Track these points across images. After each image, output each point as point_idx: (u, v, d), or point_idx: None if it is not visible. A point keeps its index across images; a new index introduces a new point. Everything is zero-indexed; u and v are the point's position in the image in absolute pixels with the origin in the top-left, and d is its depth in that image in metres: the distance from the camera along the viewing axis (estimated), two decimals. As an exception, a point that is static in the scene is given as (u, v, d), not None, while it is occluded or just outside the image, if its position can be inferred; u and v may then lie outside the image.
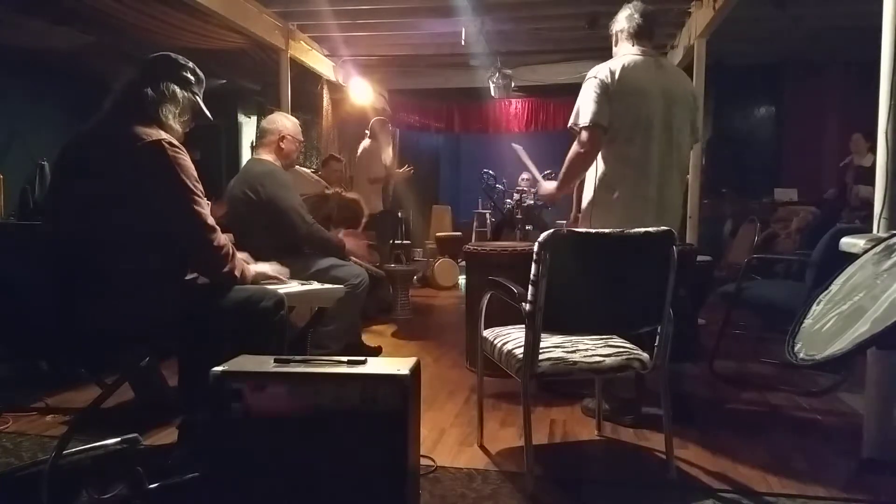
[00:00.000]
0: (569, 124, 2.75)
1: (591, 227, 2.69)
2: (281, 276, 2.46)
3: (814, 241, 3.43)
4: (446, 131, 9.85)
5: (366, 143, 6.33)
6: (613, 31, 2.85)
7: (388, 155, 6.17)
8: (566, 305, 2.11)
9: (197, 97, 2.21)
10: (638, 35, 2.75)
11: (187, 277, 2.15)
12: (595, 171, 2.74)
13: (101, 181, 2.00)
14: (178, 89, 2.14)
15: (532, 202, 7.44)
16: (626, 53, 2.74)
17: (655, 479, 2.28)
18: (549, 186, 3.00)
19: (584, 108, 2.65)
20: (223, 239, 2.10)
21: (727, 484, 2.20)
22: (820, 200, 6.81)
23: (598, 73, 2.65)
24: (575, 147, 2.68)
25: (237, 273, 2.14)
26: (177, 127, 2.14)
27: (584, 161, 2.69)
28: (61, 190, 2.14)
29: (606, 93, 2.61)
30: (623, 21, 2.79)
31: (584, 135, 2.65)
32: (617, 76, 2.62)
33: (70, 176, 2.10)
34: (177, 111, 2.13)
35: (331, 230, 3.81)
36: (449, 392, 3.24)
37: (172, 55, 2.21)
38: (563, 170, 2.77)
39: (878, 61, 2.33)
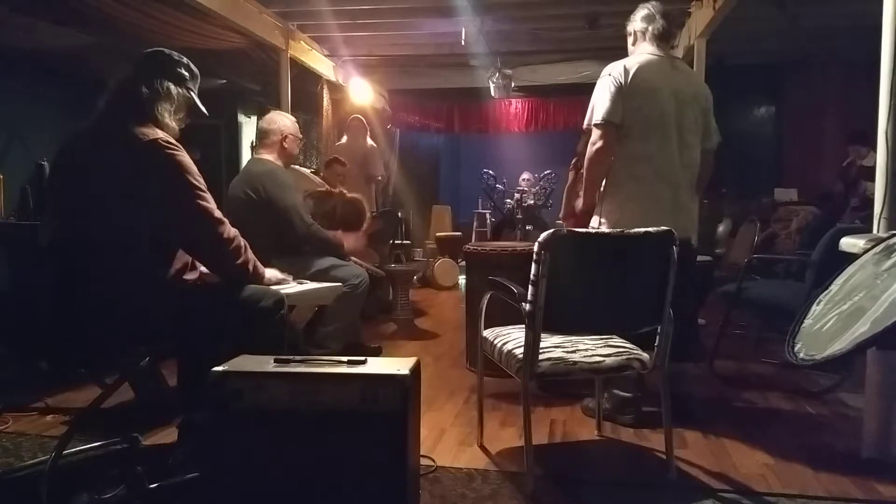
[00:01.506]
0: (584, 125, 2.74)
1: (601, 225, 2.69)
2: (287, 279, 2.47)
3: (814, 241, 3.43)
4: (446, 131, 9.84)
5: (343, 140, 6.39)
6: (631, 30, 2.83)
7: (360, 146, 6.19)
8: (566, 305, 2.10)
9: (192, 93, 2.19)
10: (661, 38, 2.74)
11: (186, 277, 2.15)
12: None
13: (98, 182, 2.00)
14: (172, 86, 2.13)
15: (533, 202, 7.46)
16: (643, 52, 2.73)
17: (655, 479, 2.28)
18: (580, 203, 2.88)
19: (598, 105, 2.65)
20: (233, 231, 2.09)
21: (727, 484, 2.20)
22: (821, 199, 6.79)
23: (613, 71, 2.65)
24: (590, 147, 2.67)
25: (250, 267, 2.13)
26: (173, 125, 2.13)
27: (601, 159, 2.67)
28: (59, 190, 2.14)
29: (620, 91, 2.61)
30: (642, 21, 2.77)
31: (597, 132, 2.65)
32: (631, 75, 2.61)
33: (67, 176, 2.10)
34: (172, 109, 2.12)
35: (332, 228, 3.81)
36: (449, 392, 3.24)
37: (166, 51, 2.19)
38: (585, 174, 2.75)
39: (878, 61, 2.33)
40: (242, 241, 2.12)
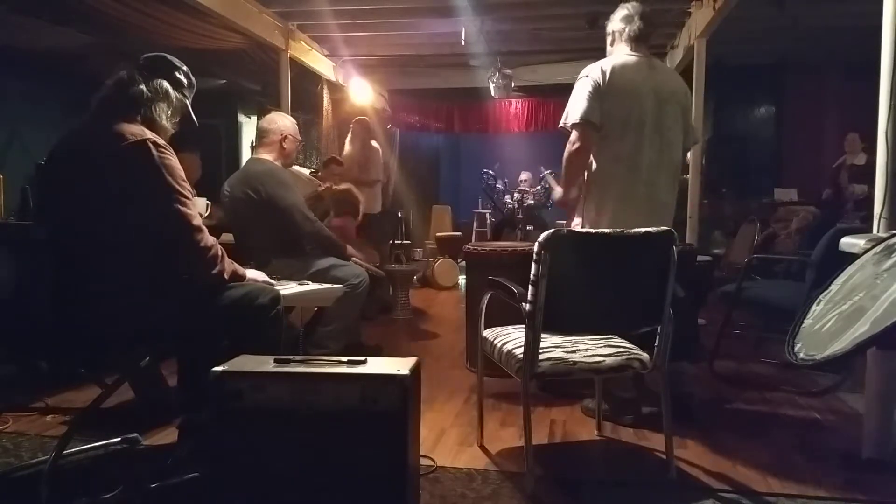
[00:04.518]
0: (560, 124, 2.75)
1: (582, 226, 2.70)
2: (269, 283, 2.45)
3: (814, 241, 3.43)
4: (446, 131, 9.84)
5: (347, 147, 6.36)
6: (610, 30, 2.84)
7: (353, 150, 6.18)
8: (566, 305, 2.11)
9: (187, 100, 2.22)
10: (636, 40, 2.74)
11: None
12: (587, 170, 2.74)
13: (90, 182, 1.99)
14: (171, 89, 2.15)
15: (533, 202, 7.47)
16: (620, 53, 2.74)
17: (655, 479, 2.28)
18: (557, 192, 2.98)
19: (575, 105, 2.66)
20: (211, 240, 2.09)
21: (727, 484, 2.20)
22: (819, 202, 6.80)
23: (590, 73, 2.66)
24: (568, 146, 2.69)
25: (227, 275, 2.12)
26: (168, 126, 2.14)
27: (578, 158, 2.69)
28: (52, 191, 2.14)
29: (597, 91, 2.62)
30: (620, 22, 2.78)
31: (574, 132, 2.66)
32: (608, 75, 2.62)
33: (60, 177, 2.10)
34: (169, 111, 2.14)
35: (330, 225, 3.81)
36: (449, 392, 3.24)
37: (168, 56, 2.22)
38: (563, 171, 2.78)
39: (878, 61, 2.33)
40: (220, 250, 2.11)
